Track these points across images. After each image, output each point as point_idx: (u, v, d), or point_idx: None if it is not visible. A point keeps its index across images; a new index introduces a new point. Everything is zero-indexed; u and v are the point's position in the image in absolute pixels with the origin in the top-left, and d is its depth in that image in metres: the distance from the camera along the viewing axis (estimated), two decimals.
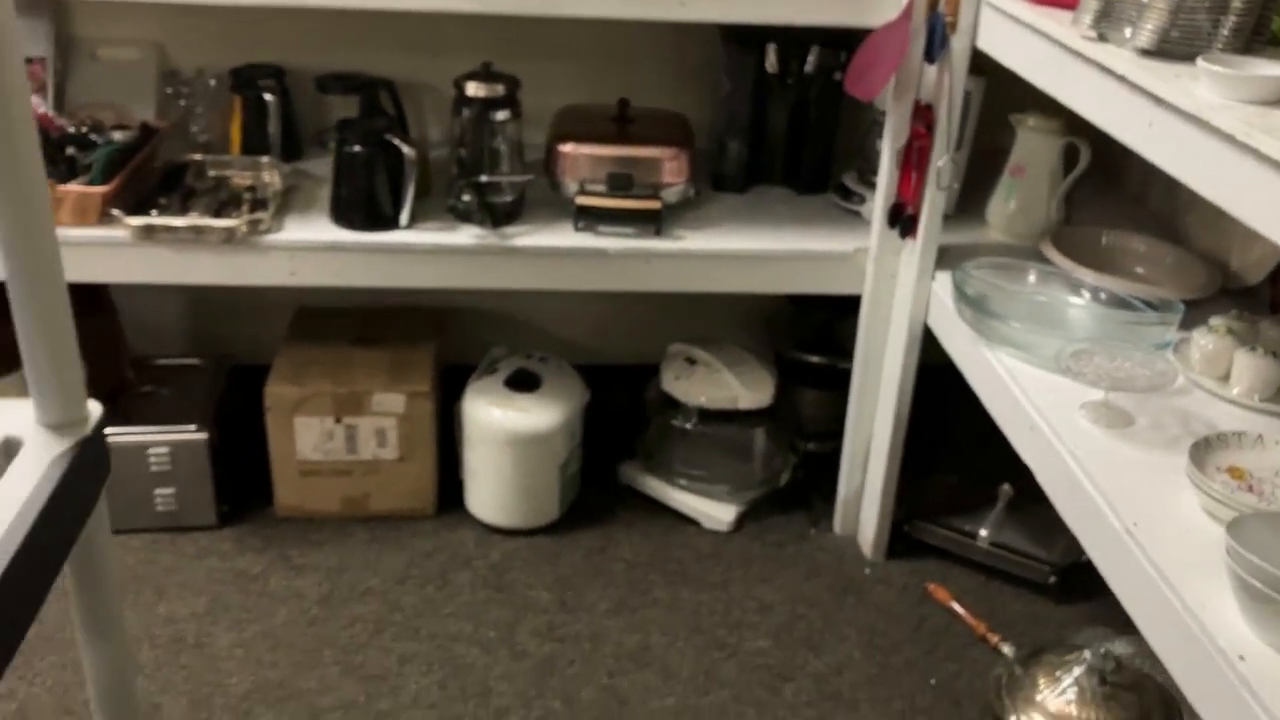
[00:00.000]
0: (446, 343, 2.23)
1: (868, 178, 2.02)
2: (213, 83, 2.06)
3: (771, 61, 1.99)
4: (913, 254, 1.81)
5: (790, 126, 2.07)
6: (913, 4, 1.67)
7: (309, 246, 1.80)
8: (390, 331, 2.14)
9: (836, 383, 2.20)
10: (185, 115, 2.06)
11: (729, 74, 2.05)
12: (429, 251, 1.82)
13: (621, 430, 2.22)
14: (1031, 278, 1.69)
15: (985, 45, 1.62)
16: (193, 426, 1.95)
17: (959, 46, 1.65)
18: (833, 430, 2.23)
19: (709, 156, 2.13)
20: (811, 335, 2.27)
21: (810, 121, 2.07)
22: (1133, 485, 1.31)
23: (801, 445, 2.24)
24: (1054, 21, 1.41)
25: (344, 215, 1.83)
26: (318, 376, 1.98)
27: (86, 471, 0.79)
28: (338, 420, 1.97)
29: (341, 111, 2.09)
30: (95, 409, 0.84)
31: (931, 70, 1.71)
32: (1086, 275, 1.67)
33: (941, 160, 1.70)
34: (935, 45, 1.67)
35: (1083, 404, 1.45)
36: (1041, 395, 1.49)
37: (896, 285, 1.88)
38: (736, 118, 2.07)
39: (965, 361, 1.67)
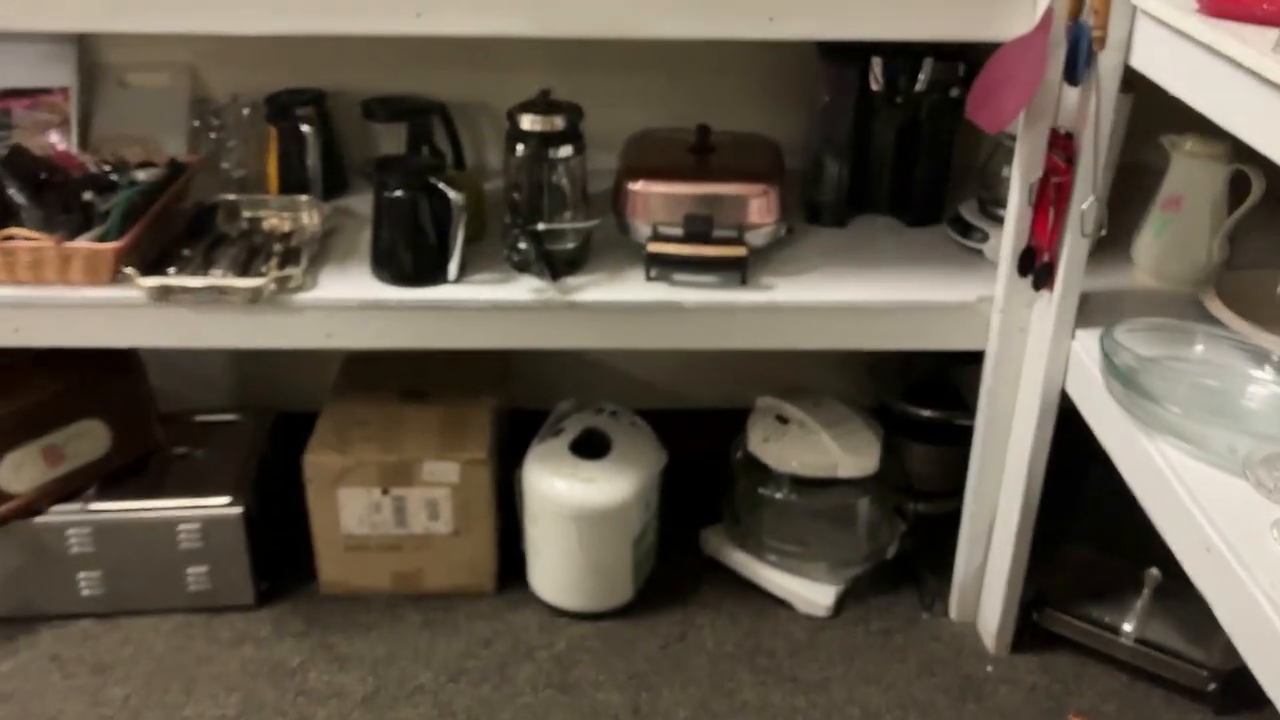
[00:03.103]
0: (510, 389, 2.01)
1: (990, 210, 1.74)
2: (246, 111, 1.85)
3: (876, 78, 1.71)
4: (1048, 307, 1.52)
5: (898, 148, 1.79)
6: (1051, 14, 1.38)
7: (346, 306, 1.58)
8: (446, 381, 1.92)
9: (950, 437, 1.93)
10: (217, 149, 1.86)
11: (827, 87, 1.78)
12: (481, 309, 1.59)
13: (704, 487, 1.98)
14: (1198, 346, 1.39)
15: (1141, 64, 1.33)
16: (226, 499, 1.75)
17: (1108, 65, 1.36)
18: (946, 489, 1.97)
19: (803, 180, 1.86)
20: (921, 384, 2.00)
21: (922, 142, 1.78)
22: None
23: (910, 508, 1.97)
24: (1239, 41, 1.11)
25: (385, 268, 1.61)
26: (362, 441, 1.77)
27: None
28: (385, 492, 1.76)
29: (389, 139, 1.87)
30: None
31: (1073, 93, 1.42)
32: (1271, 342, 1.36)
33: (1086, 202, 1.41)
34: (1079, 64, 1.38)
35: (1277, 520, 1.16)
36: (1220, 504, 1.19)
37: (1027, 342, 1.60)
38: (835, 137, 1.79)
39: (1116, 448, 1.38)
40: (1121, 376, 1.34)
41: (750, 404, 1.93)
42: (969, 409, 1.79)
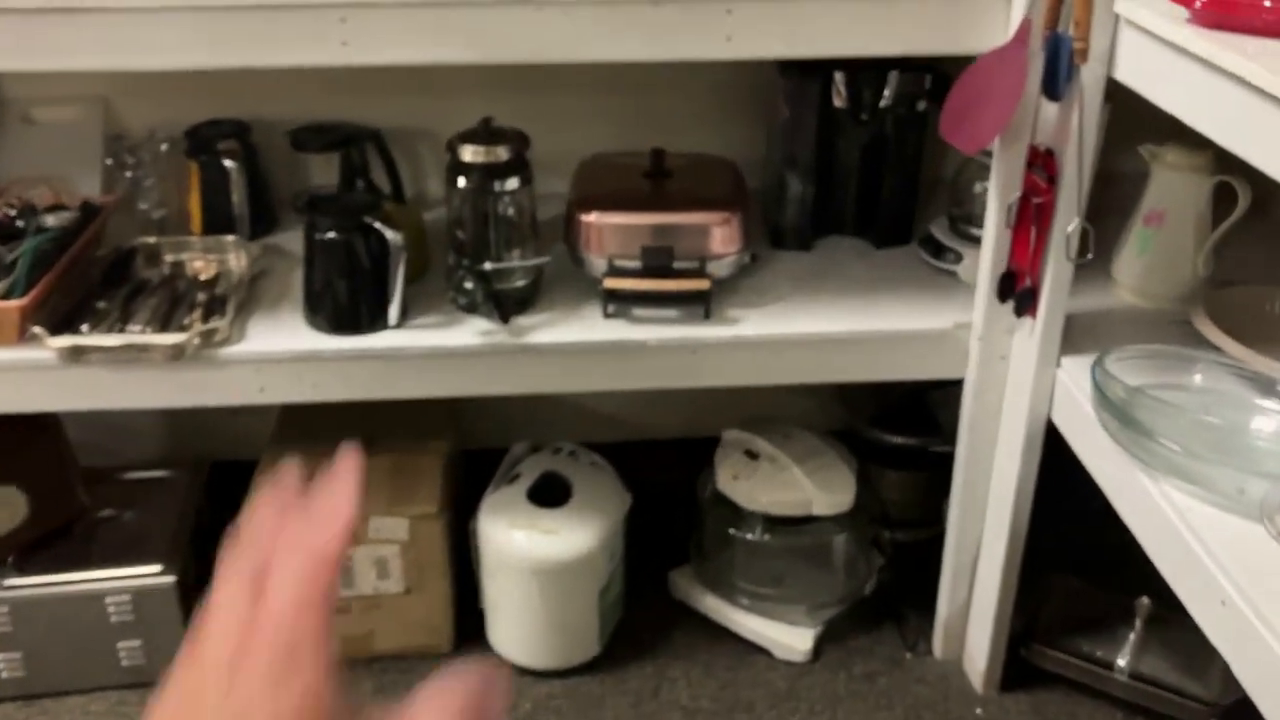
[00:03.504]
0: (461, 430, 1.89)
1: (962, 228, 1.65)
2: (164, 147, 1.71)
3: (840, 94, 1.61)
4: (1031, 335, 1.44)
5: (864, 165, 1.70)
6: (1028, 25, 1.29)
7: (278, 358, 1.46)
8: (392, 425, 1.79)
9: (926, 463, 1.85)
10: (133, 188, 1.72)
11: (787, 103, 1.68)
12: (426, 356, 1.47)
13: (670, 523, 1.87)
14: (1197, 376, 1.31)
15: (1127, 77, 1.24)
16: (158, 567, 1.62)
17: (1091, 78, 1.27)
18: (924, 517, 1.89)
19: (765, 200, 1.76)
20: (893, 408, 1.91)
21: (888, 159, 1.69)
22: None
23: (887, 539, 1.88)
24: (1242, 56, 1.03)
25: (320, 314, 1.48)
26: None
27: None
28: None
29: (321, 170, 1.75)
30: None
31: (1052, 108, 1.33)
32: (1275, 369, 1.28)
33: (1071, 225, 1.33)
34: (1059, 77, 1.29)
35: None
36: (1234, 553, 1.11)
37: (1009, 370, 1.51)
38: (797, 156, 1.69)
39: (1114, 488, 1.29)
40: (1116, 411, 1.26)
41: (715, 432, 1.82)
42: (944, 434, 1.71)
